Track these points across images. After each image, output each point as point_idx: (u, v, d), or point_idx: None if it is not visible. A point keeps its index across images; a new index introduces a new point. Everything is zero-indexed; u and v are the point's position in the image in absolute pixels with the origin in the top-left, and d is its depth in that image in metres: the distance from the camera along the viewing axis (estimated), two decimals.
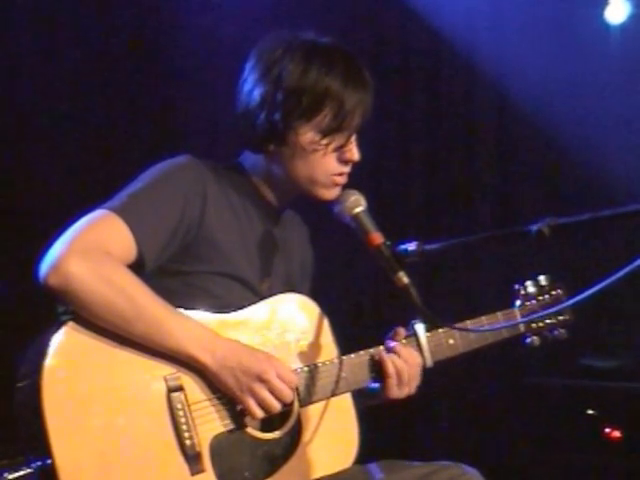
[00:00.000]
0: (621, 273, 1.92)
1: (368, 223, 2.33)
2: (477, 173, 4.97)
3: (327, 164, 2.46)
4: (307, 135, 2.43)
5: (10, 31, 3.95)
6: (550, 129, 4.69)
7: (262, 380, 2.28)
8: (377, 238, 2.29)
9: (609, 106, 4.66)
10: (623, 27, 4.76)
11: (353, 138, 2.48)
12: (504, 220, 4.80)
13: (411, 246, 2.26)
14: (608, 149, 4.66)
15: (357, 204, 2.37)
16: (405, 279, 2.20)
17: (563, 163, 4.77)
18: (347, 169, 2.50)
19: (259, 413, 2.29)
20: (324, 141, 2.43)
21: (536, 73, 4.64)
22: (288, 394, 2.31)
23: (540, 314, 2.78)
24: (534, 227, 2.10)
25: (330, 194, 2.49)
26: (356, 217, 2.35)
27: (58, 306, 2.23)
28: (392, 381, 2.50)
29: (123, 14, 4.15)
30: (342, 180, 2.50)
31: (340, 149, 2.46)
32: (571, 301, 2.05)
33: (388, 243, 2.27)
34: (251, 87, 2.46)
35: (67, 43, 4.07)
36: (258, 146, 2.49)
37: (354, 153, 2.49)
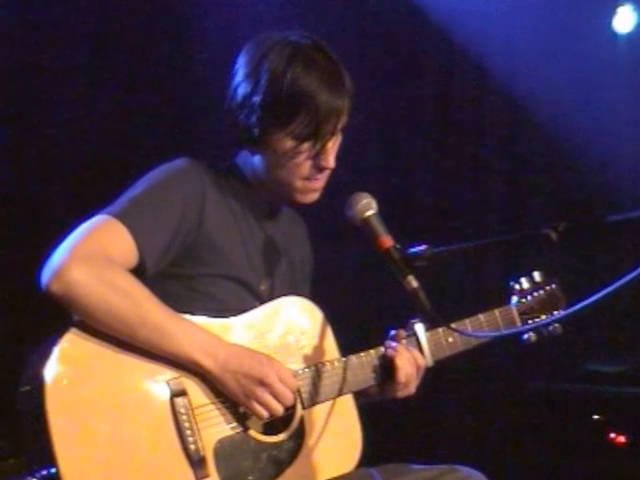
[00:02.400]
0: (627, 278, 1.92)
1: (378, 226, 2.31)
2: (486, 177, 4.97)
3: (302, 170, 2.46)
4: (282, 142, 2.42)
5: (25, 31, 3.95)
6: (558, 135, 4.69)
7: (264, 384, 2.27)
8: (387, 241, 2.27)
9: (616, 113, 4.67)
10: (630, 36, 4.78)
11: (330, 145, 2.47)
12: (513, 224, 4.80)
13: (421, 250, 2.26)
14: (615, 156, 4.67)
15: (368, 207, 2.35)
16: (414, 283, 2.18)
17: (571, 169, 4.78)
18: (323, 175, 2.49)
19: (264, 414, 2.29)
20: (299, 149, 2.42)
21: (545, 81, 4.65)
22: (289, 397, 2.31)
23: (543, 322, 2.79)
24: (542, 231, 2.10)
25: (307, 199, 2.52)
26: (366, 220, 2.33)
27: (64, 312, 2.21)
28: (400, 386, 2.53)
29: (134, 16, 4.13)
30: (319, 185, 2.51)
31: (316, 157, 2.45)
32: (577, 307, 2.05)
33: (398, 246, 2.26)
34: (237, 83, 2.46)
35: (74, 44, 4.05)
36: (241, 145, 2.51)
37: (329, 161, 2.47)
